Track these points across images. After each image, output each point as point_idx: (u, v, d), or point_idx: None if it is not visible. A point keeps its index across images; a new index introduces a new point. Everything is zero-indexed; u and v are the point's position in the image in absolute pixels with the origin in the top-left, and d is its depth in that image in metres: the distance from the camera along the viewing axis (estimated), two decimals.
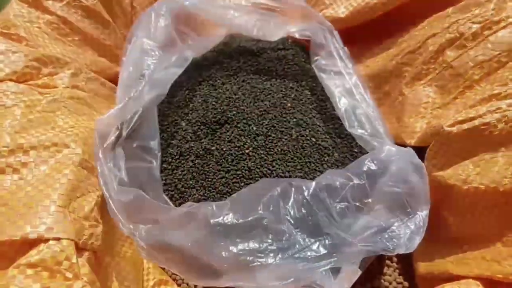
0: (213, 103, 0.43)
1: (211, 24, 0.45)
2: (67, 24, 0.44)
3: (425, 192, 0.34)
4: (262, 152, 0.39)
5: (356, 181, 0.33)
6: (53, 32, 0.43)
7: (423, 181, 0.34)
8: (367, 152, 0.38)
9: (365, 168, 0.34)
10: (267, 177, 0.38)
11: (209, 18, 0.41)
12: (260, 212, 0.32)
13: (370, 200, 0.34)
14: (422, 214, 0.33)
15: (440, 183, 0.38)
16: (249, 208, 0.32)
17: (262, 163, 0.39)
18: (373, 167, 0.34)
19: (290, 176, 0.38)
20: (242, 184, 0.38)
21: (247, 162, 0.39)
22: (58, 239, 0.26)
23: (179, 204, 0.39)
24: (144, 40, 0.39)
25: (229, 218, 0.32)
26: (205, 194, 0.38)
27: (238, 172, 0.38)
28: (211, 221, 0.32)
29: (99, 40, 0.47)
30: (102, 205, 0.33)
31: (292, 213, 0.32)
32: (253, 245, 0.31)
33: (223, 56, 0.49)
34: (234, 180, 0.38)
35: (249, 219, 0.32)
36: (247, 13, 0.44)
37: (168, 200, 0.39)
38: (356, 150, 0.42)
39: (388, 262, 0.44)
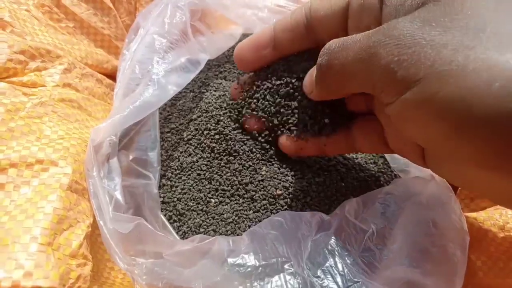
0: (218, 114, 0.37)
1: (226, 21, 0.40)
2: (60, 8, 0.38)
3: (461, 234, 0.30)
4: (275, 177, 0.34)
5: (378, 225, 0.30)
6: (44, 17, 0.36)
7: (459, 220, 0.31)
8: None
9: (389, 208, 0.31)
10: (275, 206, 0.34)
11: (228, 16, 0.35)
12: (283, 253, 0.28)
13: (395, 246, 0.30)
14: (459, 256, 0.30)
15: (472, 225, 0.34)
16: (270, 247, 0.28)
17: (274, 187, 0.34)
18: (395, 204, 0.31)
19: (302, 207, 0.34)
20: (251, 212, 0.33)
21: (258, 188, 0.34)
22: None
23: (178, 228, 0.35)
24: (154, 36, 0.33)
25: (249, 259, 0.27)
26: (207, 220, 0.34)
27: (246, 199, 0.34)
28: (229, 260, 0.27)
29: (97, 28, 0.41)
30: (92, 233, 0.28)
31: (316, 256, 0.28)
32: None
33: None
34: (241, 208, 0.34)
35: (272, 261, 0.27)
36: (267, 13, 0.39)
37: (167, 223, 0.34)
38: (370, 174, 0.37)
39: None
